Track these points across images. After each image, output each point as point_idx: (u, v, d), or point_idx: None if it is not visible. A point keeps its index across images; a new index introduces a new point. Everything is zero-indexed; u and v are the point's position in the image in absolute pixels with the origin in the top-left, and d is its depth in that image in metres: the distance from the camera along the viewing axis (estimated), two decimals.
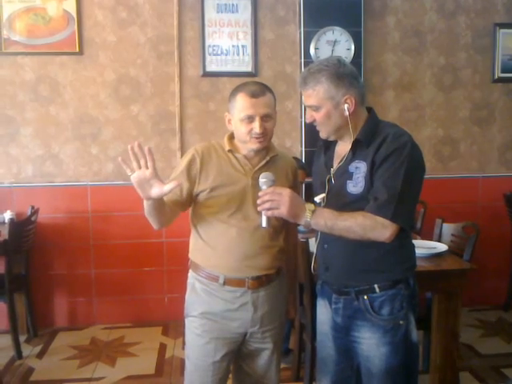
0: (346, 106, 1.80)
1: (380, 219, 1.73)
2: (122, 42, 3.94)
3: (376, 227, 1.73)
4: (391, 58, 4.18)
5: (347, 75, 1.82)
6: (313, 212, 1.74)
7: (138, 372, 3.31)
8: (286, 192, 1.73)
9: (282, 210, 1.72)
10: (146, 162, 1.72)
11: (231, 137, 2.03)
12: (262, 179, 1.78)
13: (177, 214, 1.98)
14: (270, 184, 1.77)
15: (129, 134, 3.98)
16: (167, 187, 1.73)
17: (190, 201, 1.99)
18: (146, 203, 1.81)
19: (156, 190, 1.73)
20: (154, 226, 1.94)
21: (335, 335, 1.95)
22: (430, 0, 4.17)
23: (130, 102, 3.98)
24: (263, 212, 1.75)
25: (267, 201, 1.73)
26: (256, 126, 1.89)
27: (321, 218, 1.75)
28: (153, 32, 3.96)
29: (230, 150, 1.98)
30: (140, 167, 1.72)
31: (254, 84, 1.97)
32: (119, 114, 3.98)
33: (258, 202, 1.74)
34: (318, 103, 1.81)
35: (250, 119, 1.89)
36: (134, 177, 1.73)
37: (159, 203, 1.83)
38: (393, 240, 1.75)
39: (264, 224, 1.77)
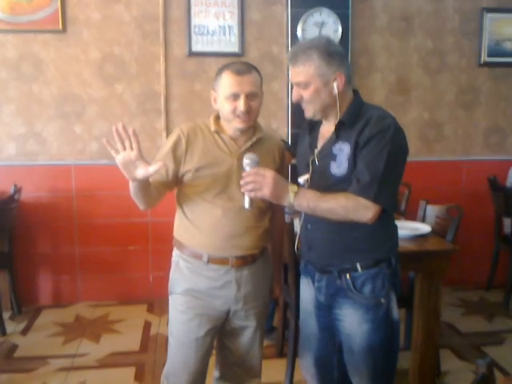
0: (335, 84, 1.80)
1: (362, 200, 1.74)
2: (107, 21, 3.88)
3: (358, 208, 1.74)
4: (378, 41, 4.17)
5: (338, 53, 1.82)
6: (296, 193, 1.75)
7: (122, 349, 3.32)
8: (269, 173, 1.73)
9: (265, 192, 1.73)
10: (131, 144, 1.71)
11: (217, 117, 2.02)
12: (246, 160, 1.78)
13: (163, 194, 1.97)
14: (254, 165, 1.77)
15: (113, 113, 3.94)
16: (152, 168, 1.72)
17: (175, 181, 1.98)
18: (131, 184, 1.80)
19: (141, 171, 1.72)
20: (140, 206, 1.93)
21: (318, 313, 1.97)
22: None
23: (115, 80, 3.94)
24: (246, 193, 1.76)
25: (250, 182, 1.73)
26: (240, 104, 1.87)
27: (303, 200, 1.76)
28: (138, 11, 3.90)
29: (215, 131, 1.97)
30: (125, 148, 1.71)
31: (241, 63, 1.97)
32: (103, 93, 3.93)
33: (241, 182, 1.75)
34: (308, 80, 1.80)
35: (235, 97, 1.88)
36: (119, 158, 1.72)
37: (145, 184, 1.82)
38: (375, 221, 1.77)
39: (247, 205, 1.78)
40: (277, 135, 3.89)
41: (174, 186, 2.00)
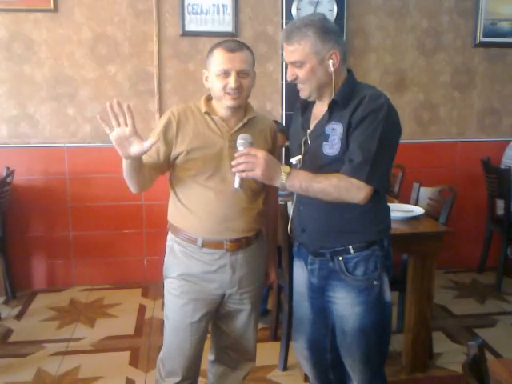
0: (330, 61, 1.79)
1: (354, 181, 1.73)
2: None
3: (351, 189, 1.74)
4: (374, 21, 4.13)
5: (333, 31, 1.81)
6: (288, 174, 1.74)
7: (117, 333, 3.34)
8: (262, 154, 1.72)
9: (257, 172, 1.71)
10: (126, 120, 1.69)
11: (208, 98, 2.01)
12: (240, 140, 1.77)
13: (154, 178, 1.96)
14: (247, 146, 1.76)
15: (106, 94, 3.89)
16: (147, 143, 1.71)
17: (167, 164, 1.96)
18: (125, 163, 1.79)
19: (136, 148, 1.71)
20: (133, 189, 1.92)
21: (311, 295, 1.98)
22: None
23: (107, 61, 3.88)
24: (237, 174, 1.74)
25: (242, 162, 1.72)
26: (231, 81, 1.86)
27: (296, 180, 1.75)
28: None
29: (206, 112, 1.95)
30: (119, 125, 1.69)
31: (233, 41, 1.96)
32: (96, 74, 3.89)
33: (233, 163, 1.73)
34: (303, 58, 1.78)
35: (226, 74, 1.87)
36: (113, 135, 1.70)
37: (138, 164, 1.80)
38: (367, 202, 1.77)
39: (236, 185, 1.76)
40: (271, 116, 3.88)
41: (166, 169, 1.99)
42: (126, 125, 1.69)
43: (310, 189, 1.75)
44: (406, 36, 4.18)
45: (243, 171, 1.72)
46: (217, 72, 1.88)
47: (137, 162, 1.79)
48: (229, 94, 1.88)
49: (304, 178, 1.76)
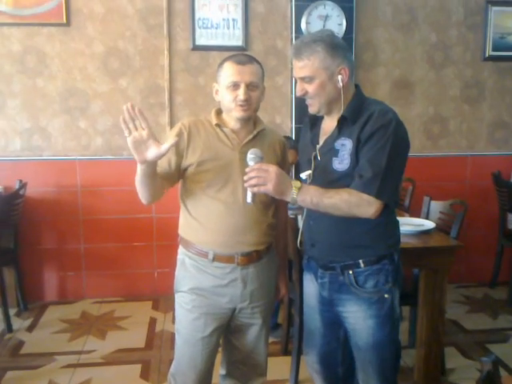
0: (339, 77, 1.80)
1: (365, 196, 1.74)
2: (111, 14, 3.87)
3: (361, 204, 1.75)
4: (383, 35, 4.15)
5: (341, 46, 1.82)
6: (299, 189, 1.75)
7: (128, 345, 3.34)
8: (273, 169, 1.73)
9: (268, 187, 1.72)
10: (141, 123, 1.72)
11: (218, 111, 2.03)
12: (250, 155, 1.78)
13: (166, 188, 1.97)
14: (258, 160, 1.77)
15: (117, 107, 3.93)
16: (165, 146, 1.73)
17: (178, 175, 1.98)
18: (139, 169, 1.80)
19: (153, 152, 1.73)
20: (144, 198, 1.93)
21: (322, 308, 1.98)
22: None
23: (119, 75, 3.93)
24: (249, 188, 1.75)
25: (253, 177, 1.73)
26: (241, 93, 1.89)
27: (307, 195, 1.76)
28: (142, 3, 3.89)
29: (217, 124, 1.98)
30: (136, 128, 1.72)
31: (243, 54, 2.00)
32: (108, 88, 3.93)
33: (245, 178, 1.74)
34: (313, 73, 1.79)
35: (236, 86, 1.89)
36: (130, 138, 1.72)
37: (153, 170, 1.82)
38: (378, 216, 1.77)
39: (249, 200, 1.78)
40: (280, 130, 3.92)
41: (177, 180, 2.00)
42: (143, 128, 1.72)
43: (320, 204, 1.76)
44: (415, 50, 4.20)
45: (255, 186, 1.74)
46: (227, 84, 1.91)
47: (151, 168, 1.80)
48: (238, 105, 1.91)
49: (315, 193, 1.76)
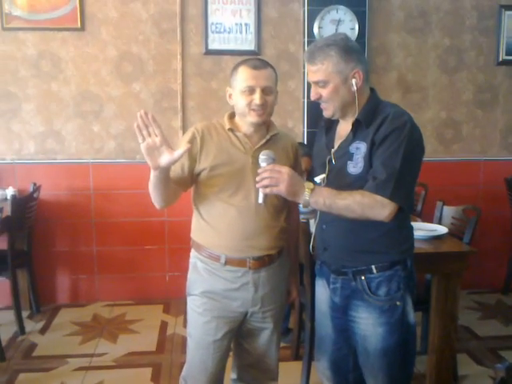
0: (353, 80, 1.80)
1: (379, 198, 1.73)
2: (124, 18, 3.90)
3: (375, 206, 1.73)
4: (395, 39, 4.14)
5: (355, 50, 1.82)
6: (312, 190, 1.74)
7: (139, 349, 3.35)
8: (286, 170, 1.73)
9: (281, 188, 1.72)
10: (154, 130, 1.73)
11: (231, 116, 2.04)
12: (263, 156, 1.79)
13: (179, 194, 1.99)
14: (270, 162, 1.78)
15: (130, 111, 3.96)
16: (178, 152, 1.75)
17: (191, 180, 1.99)
18: (152, 175, 1.82)
19: (166, 158, 1.75)
20: (157, 203, 1.94)
21: (333, 315, 1.97)
22: None
23: (132, 79, 3.96)
24: (261, 189, 1.75)
25: (266, 178, 1.73)
26: (256, 98, 1.89)
27: (320, 197, 1.74)
28: (155, 8, 3.91)
29: (230, 129, 1.98)
30: (150, 135, 1.73)
31: (257, 59, 2.00)
32: (121, 92, 3.96)
33: (257, 178, 1.74)
34: (327, 77, 1.79)
35: (251, 91, 1.90)
36: (144, 145, 1.74)
37: (166, 176, 1.83)
38: (391, 220, 1.76)
39: (260, 200, 1.78)
40: (292, 134, 3.92)
41: (190, 185, 2.01)
42: (156, 135, 1.73)
43: (333, 205, 1.75)
44: (428, 54, 4.19)
45: (267, 186, 1.73)
46: (242, 88, 1.91)
47: (164, 173, 1.81)
48: (254, 110, 1.91)
49: (327, 195, 1.75)
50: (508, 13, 4.17)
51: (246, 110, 1.92)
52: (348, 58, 1.79)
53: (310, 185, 1.75)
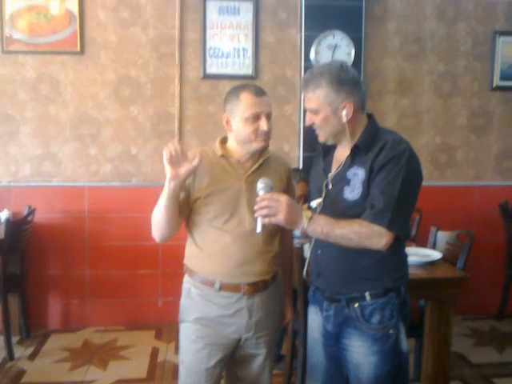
0: (344, 112, 1.81)
1: (376, 227, 1.73)
2: (124, 43, 3.95)
3: (372, 235, 1.74)
4: (391, 64, 4.19)
5: (348, 81, 1.82)
6: (310, 219, 1.74)
7: (129, 376, 3.31)
8: (284, 199, 1.73)
9: (280, 217, 1.72)
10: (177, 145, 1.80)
11: (223, 141, 2.04)
12: (261, 184, 1.78)
13: (181, 222, 1.98)
14: (268, 190, 1.77)
15: (128, 135, 3.99)
16: (196, 159, 1.78)
17: (186, 208, 1.98)
18: (167, 189, 1.82)
19: (185, 167, 1.78)
20: (161, 231, 1.92)
21: (325, 343, 1.96)
22: (431, 6, 4.19)
23: (130, 102, 3.99)
24: (259, 218, 1.74)
25: (264, 207, 1.73)
26: (263, 124, 1.91)
27: (317, 225, 1.75)
28: (154, 33, 3.97)
29: (222, 156, 1.99)
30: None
31: (254, 85, 2.01)
32: (119, 115, 3.99)
33: (255, 207, 1.74)
34: (318, 107, 1.82)
35: (256, 118, 1.91)
36: (167, 152, 1.77)
37: (178, 192, 1.85)
38: (388, 248, 1.76)
39: (259, 229, 1.76)
40: (288, 158, 3.94)
41: (187, 212, 1.99)
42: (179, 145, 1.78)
43: (331, 234, 1.75)
44: (423, 79, 4.24)
45: (266, 216, 1.73)
46: (246, 116, 1.91)
47: (179, 188, 1.83)
48: (259, 136, 1.93)
49: (325, 224, 1.75)
50: (502, 39, 4.23)
51: (251, 138, 1.93)
52: (339, 89, 1.80)
53: (308, 213, 1.76)
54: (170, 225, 1.91)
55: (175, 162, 1.77)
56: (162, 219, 1.88)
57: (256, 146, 1.94)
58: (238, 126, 1.94)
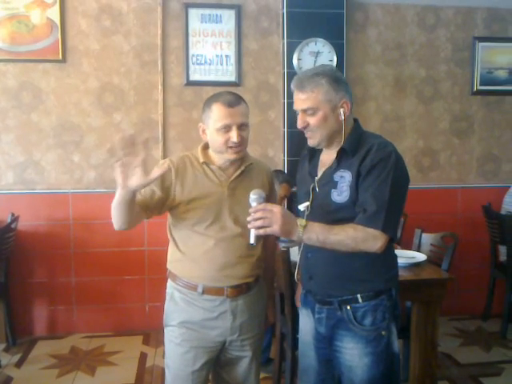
0: (341, 110, 1.83)
1: (371, 230, 1.74)
2: (106, 51, 3.94)
3: (367, 239, 1.74)
4: (373, 70, 4.24)
5: (343, 81, 1.86)
6: (304, 227, 1.73)
7: (117, 381, 3.29)
8: (278, 209, 1.71)
9: (275, 228, 1.69)
10: (138, 151, 1.71)
11: (205, 147, 2.03)
12: (253, 195, 1.75)
13: (140, 219, 1.93)
14: (261, 201, 1.75)
15: (111, 141, 3.97)
16: (154, 174, 1.71)
17: (158, 210, 1.95)
18: (118, 193, 1.76)
19: (137, 179, 1.70)
20: (116, 223, 1.87)
21: (317, 345, 1.96)
22: (412, 13, 4.25)
23: (113, 109, 3.98)
24: (253, 230, 1.72)
25: (258, 218, 1.70)
26: (233, 136, 1.89)
27: (313, 233, 1.74)
28: (137, 41, 3.97)
29: (204, 162, 1.98)
30: (129, 154, 1.70)
31: (229, 93, 1.97)
32: (102, 122, 3.97)
33: (249, 219, 1.71)
34: (317, 105, 1.81)
35: (227, 129, 1.89)
36: (119, 162, 1.70)
37: (130, 198, 1.77)
38: (383, 251, 1.77)
39: (252, 241, 1.74)
40: (273, 163, 3.96)
41: (156, 214, 1.96)
42: (137, 155, 1.70)
43: (326, 241, 1.74)
44: (405, 85, 4.29)
45: (260, 227, 1.71)
46: (217, 127, 1.90)
47: (130, 196, 1.76)
48: (231, 147, 1.91)
49: (320, 231, 1.74)
50: (481, 44, 4.31)
51: (223, 148, 1.92)
52: (337, 87, 1.82)
53: (303, 222, 1.74)
54: (126, 221, 1.86)
55: (126, 170, 1.70)
56: (116, 214, 1.84)
57: (228, 156, 1.94)
58: (212, 136, 1.94)
